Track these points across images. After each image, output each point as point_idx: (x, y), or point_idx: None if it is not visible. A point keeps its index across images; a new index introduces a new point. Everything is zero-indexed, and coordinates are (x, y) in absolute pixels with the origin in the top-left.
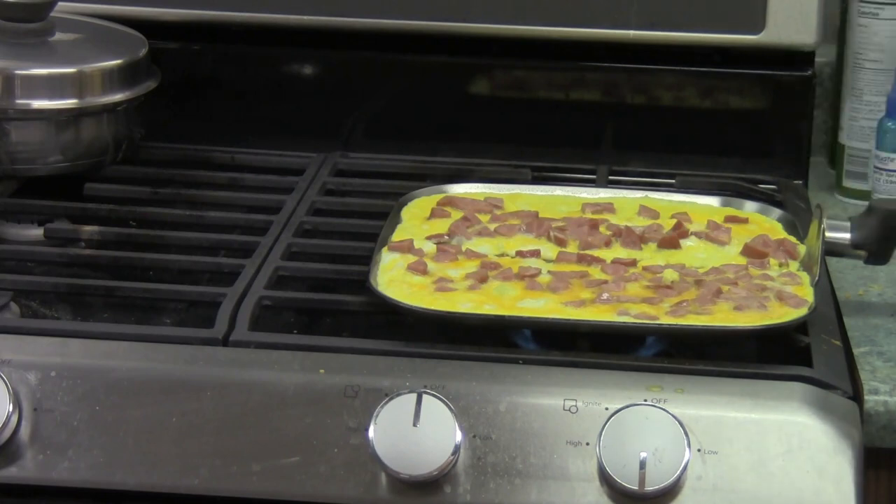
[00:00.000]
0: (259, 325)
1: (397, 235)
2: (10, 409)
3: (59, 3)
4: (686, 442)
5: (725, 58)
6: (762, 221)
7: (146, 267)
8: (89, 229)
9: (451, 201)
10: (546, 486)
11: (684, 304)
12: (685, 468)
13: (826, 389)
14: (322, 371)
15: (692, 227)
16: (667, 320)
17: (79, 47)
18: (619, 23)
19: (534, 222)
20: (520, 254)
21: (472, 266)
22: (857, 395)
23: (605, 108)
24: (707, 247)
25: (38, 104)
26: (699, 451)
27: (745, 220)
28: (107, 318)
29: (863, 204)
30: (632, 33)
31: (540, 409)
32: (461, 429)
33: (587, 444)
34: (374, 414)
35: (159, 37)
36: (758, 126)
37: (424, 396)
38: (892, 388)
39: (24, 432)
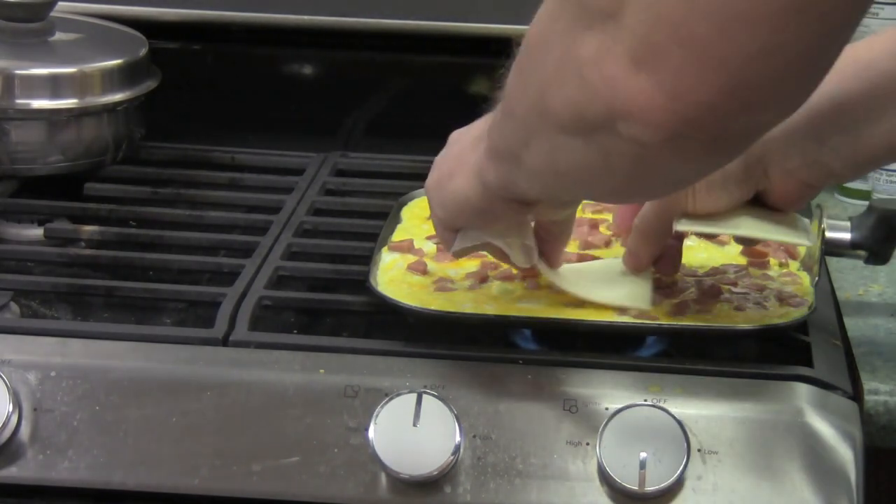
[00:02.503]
0: (259, 325)
1: (397, 235)
2: (10, 409)
3: (59, 3)
4: (686, 442)
5: None
6: None
7: (146, 267)
8: (89, 229)
9: None
10: (546, 486)
11: (684, 304)
12: (685, 468)
13: (826, 389)
14: (322, 371)
15: None
16: (667, 320)
17: (79, 47)
18: None
19: None
20: None
21: (472, 266)
22: (857, 395)
23: None
24: (707, 247)
25: (38, 104)
26: (699, 451)
27: None
28: (107, 318)
29: (863, 204)
30: None
31: (540, 409)
32: (461, 429)
33: (587, 444)
34: (374, 414)
35: (159, 37)
36: None
37: (424, 396)
38: (892, 388)
39: (24, 432)
